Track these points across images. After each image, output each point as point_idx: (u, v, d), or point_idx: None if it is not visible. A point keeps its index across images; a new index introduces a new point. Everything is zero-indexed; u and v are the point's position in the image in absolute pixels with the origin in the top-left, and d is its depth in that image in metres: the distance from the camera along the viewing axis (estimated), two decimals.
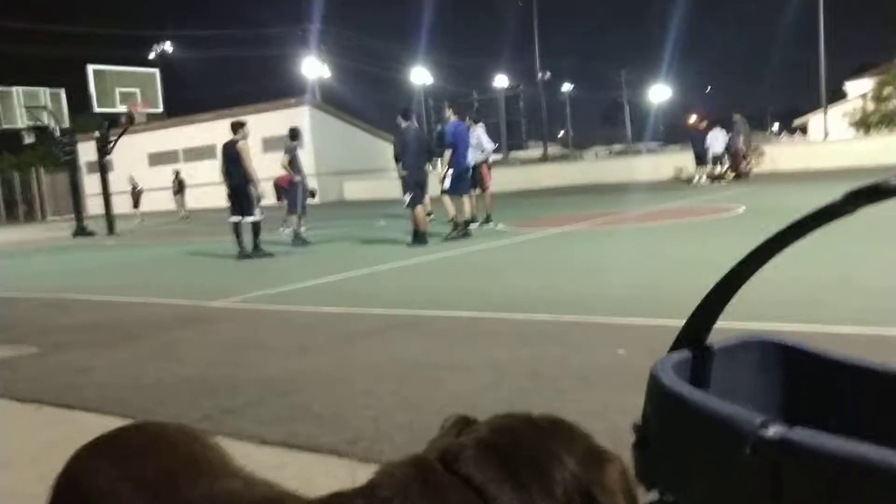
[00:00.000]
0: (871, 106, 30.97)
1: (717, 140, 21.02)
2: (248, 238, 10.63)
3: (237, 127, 10.78)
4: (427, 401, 3.30)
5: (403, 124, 10.99)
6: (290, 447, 2.87)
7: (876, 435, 1.65)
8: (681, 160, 25.22)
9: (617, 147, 61.50)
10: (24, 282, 10.06)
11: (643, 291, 5.50)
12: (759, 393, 1.92)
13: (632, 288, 5.82)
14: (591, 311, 4.96)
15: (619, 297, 5.46)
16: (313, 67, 42.96)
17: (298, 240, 12.06)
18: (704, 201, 14.37)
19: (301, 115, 32.02)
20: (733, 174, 21.17)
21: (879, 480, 1.26)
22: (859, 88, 36.36)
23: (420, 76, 51.21)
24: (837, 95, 40.44)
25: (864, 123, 30.75)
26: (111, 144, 20.86)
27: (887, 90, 30.49)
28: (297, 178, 12.34)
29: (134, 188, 27.82)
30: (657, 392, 1.66)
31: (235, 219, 10.73)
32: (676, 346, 1.85)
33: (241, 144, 10.60)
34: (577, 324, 4.69)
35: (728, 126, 21.65)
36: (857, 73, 42.53)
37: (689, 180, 21.85)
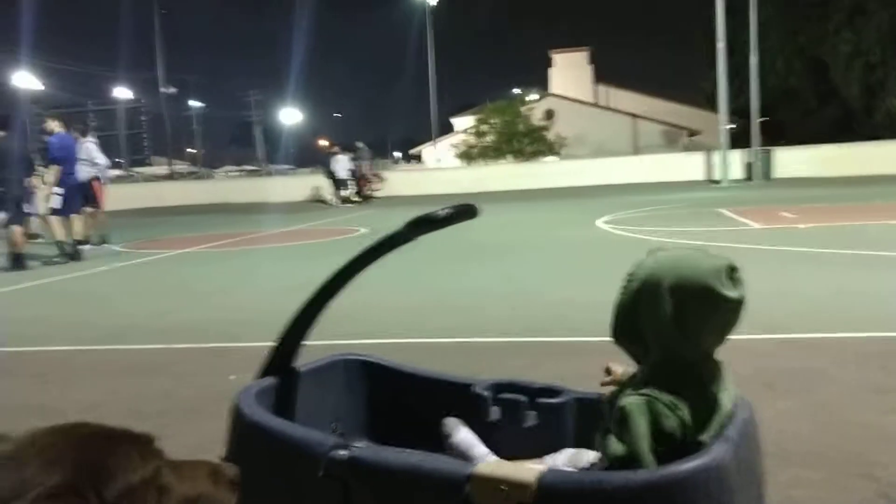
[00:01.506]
0: (472, 140, 35.09)
1: (340, 164, 22.06)
2: None
3: None
4: None
5: (0, 134, 9.57)
6: None
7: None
8: (312, 182, 25.93)
9: (248, 167, 61.08)
10: None
11: (258, 315, 5.45)
12: (346, 411, 1.99)
13: (249, 311, 5.76)
14: (204, 338, 4.78)
15: (234, 321, 5.36)
16: None
17: None
18: (329, 223, 14.92)
19: None
20: (359, 198, 22.38)
21: (432, 485, 1.37)
22: (463, 124, 41.03)
23: (25, 81, 45.46)
24: (447, 129, 45.16)
25: (468, 155, 34.71)
26: None
27: (483, 127, 34.83)
28: None
29: None
30: (238, 422, 1.63)
31: None
32: (264, 371, 1.84)
33: None
34: (189, 350, 4.49)
35: (353, 152, 22.87)
36: (461, 110, 47.93)
37: (323, 201, 22.60)
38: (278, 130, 69.59)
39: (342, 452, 1.45)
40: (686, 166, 24.48)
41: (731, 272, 1.32)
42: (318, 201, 23.40)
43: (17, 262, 9.37)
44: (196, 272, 8.70)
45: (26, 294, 7.43)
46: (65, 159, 10.28)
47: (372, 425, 2.04)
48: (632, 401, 1.31)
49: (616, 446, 1.31)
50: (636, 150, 36.94)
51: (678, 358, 1.35)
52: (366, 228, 12.58)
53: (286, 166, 56.37)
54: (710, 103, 30.62)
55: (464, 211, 1.60)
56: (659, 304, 1.33)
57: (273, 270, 8.48)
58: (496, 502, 1.29)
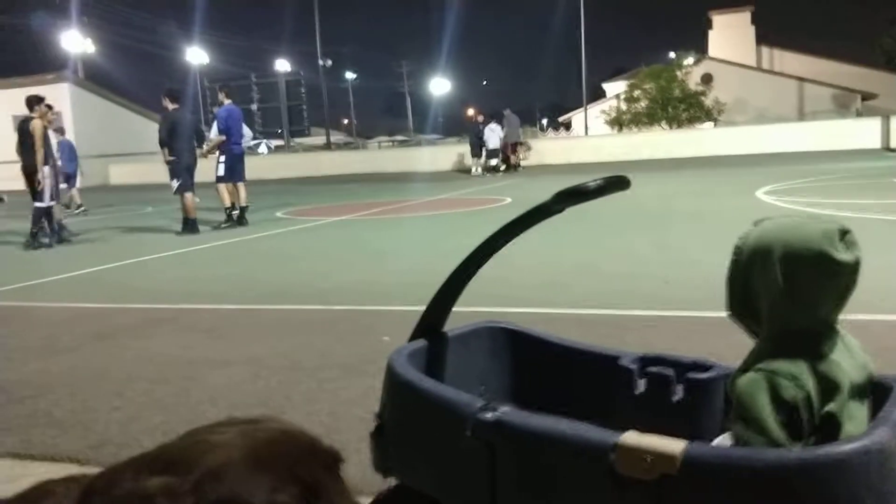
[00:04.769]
0: (623, 106, 34.10)
1: (492, 134, 22.10)
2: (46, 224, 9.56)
3: (33, 102, 9.54)
4: (181, 400, 3.16)
5: (171, 107, 10.37)
6: (23, 457, 2.63)
7: (594, 411, 1.82)
8: (459, 151, 26.22)
9: (399, 137, 62.56)
10: None
11: (413, 278, 5.64)
12: (491, 377, 2.04)
13: (402, 275, 5.96)
14: (360, 300, 5.00)
15: (390, 285, 5.57)
16: (75, 41, 39.17)
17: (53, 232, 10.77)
18: (477, 192, 15.06)
19: (60, 92, 29.20)
20: (505, 166, 22.38)
21: (577, 452, 1.39)
22: (615, 89, 39.91)
23: (195, 56, 48.68)
24: (598, 94, 44.10)
25: (618, 122, 33.81)
26: None
27: (637, 92, 33.73)
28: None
29: None
30: (392, 381, 1.72)
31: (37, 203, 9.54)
32: (415, 335, 1.92)
33: (34, 124, 9.36)
34: (346, 312, 4.72)
35: (501, 120, 22.86)
36: (613, 75, 46.64)
37: (469, 171, 22.81)
38: (427, 100, 70.65)
39: (489, 415, 1.50)
40: (859, 133, 22.65)
41: (843, 235, 1.26)
42: (464, 171, 23.63)
43: (191, 226, 10.15)
44: (351, 238, 9.08)
45: (198, 256, 8.05)
46: (230, 130, 10.96)
47: (515, 393, 2.07)
48: (748, 377, 1.28)
49: (739, 427, 1.28)
50: (802, 116, 34.55)
51: (795, 329, 1.29)
52: (511, 198, 12.60)
53: (435, 136, 57.27)
54: (889, 63, 28.03)
55: (615, 182, 1.59)
56: (769, 274, 1.28)
57: (423, 238, 8.71)
58: (640, 472, 1.29)
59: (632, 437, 1.34)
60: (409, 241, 8.46)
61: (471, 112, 23.16)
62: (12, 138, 10.06)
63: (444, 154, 28.16)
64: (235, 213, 10.86)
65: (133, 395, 3.26)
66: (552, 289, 5.13)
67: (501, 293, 4.58)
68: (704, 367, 1.73)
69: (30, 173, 9.48)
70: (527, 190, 14.10)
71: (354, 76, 73.09)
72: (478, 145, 22.28)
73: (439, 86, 67.49)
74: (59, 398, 3.27)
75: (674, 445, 1.28)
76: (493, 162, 22.34)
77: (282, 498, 0.70)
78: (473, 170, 22.41)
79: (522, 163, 23.48)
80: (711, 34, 46.06)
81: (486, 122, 22.41)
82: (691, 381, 1.72)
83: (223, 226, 10.59)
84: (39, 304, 5.64)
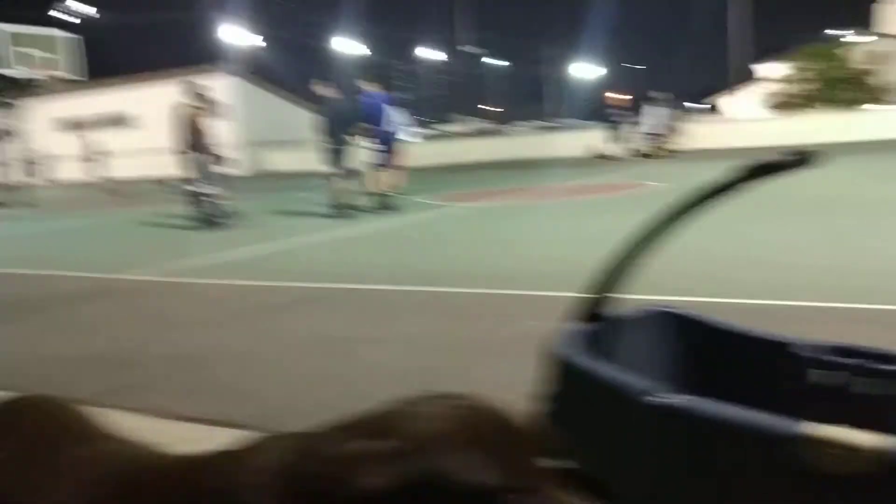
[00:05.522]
0: (786, 87, 32.13)
1: (648, 117, 21.51)
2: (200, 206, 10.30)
3: (192, 90, 10.30)
4: (340, 374, 3.29)
5: (326, 94, 10.79)
6: (201, 422, 2.82)
7: (770, 401, 1.74)
8: (598, 137, 25.67)
9: (541, 122, 62.04)
10: None
11: (559, 265, 5.59)
12: (659, 362, 1.98)
13: (549, 261, 5.92)
14: (508, 285, 5.02)
15: (537, 271, 5.55)
16: (238, 34, 41.57)
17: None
18: (623, 177, 14.69)
19: (223, 83, 31.08)
20: (654, 150, 21.69)
21: (756, 442, 1.33)
22: (769, 71, 37.65)
23: (344, 45, 50.34)
24: (748, 76, 41.78)
25: (785, 105, 31.86)
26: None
27: (802, 74, 31.69)
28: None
29: (30, 158, 26.08)
30: (558, 363, 1.71)
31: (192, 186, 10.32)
32: (579, 318, 1.90)
33: (187, 109, 10.13)
34: (495, 296, 4.75)
35: (650, 103, 22.15)
36: (763, 56, 43.97)
37: (611, 156, 22.29)
38: (569, 84, 69.61)
39: (662, 400, 1.46)
40: None
41: None
42: (603, 156, 23.07)
43: (342, 210, 10.53)
44: (498, 223, 9.13)
45: (350, 240, 8.36)
46: (376, 117, 11.24)
47: (683, 380, 2.01)
48: None
49: None
50: None
51: None
52: (661, 182, 12.20)
53: (576, 120, 56.32)
54: None
55: (799, 159, 1.50)
56: None
57: (567, 223, 8.60)
58: (829, 467, 1.22)
59: (820, 429, 1.27)
60: (553, 227, 8.39)
61: (613, 95, 22.54)
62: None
63: (586, 139, 27.65)
64: (387, 199, 11.15)
65: (294, 367, 3.44)
66: (707, 275, 4.93)
67: (655, 281, 4.45)
68: (891, 358, 1.61)
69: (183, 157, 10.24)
70: (678, 173, 13.60)
71: (499, 62, 73.16)
72: (622, 129, 21.75)
73: (581, 70, 66.32)
74: (227, 368, 3.50)
75: (872, 440, 1.20)
76: (639, 146, 21.73)
77: (488, 479, 0.68)
78: (618, 153, 21.91)
79: (672, 147, 22.66)
80: (880, 7, 42.38)
81: (633, 106, 21.82)
82: (874, 371, 1.60)
83: (375, 211, 10.91)
84: (203, 280, 6.04)
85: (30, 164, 25.96)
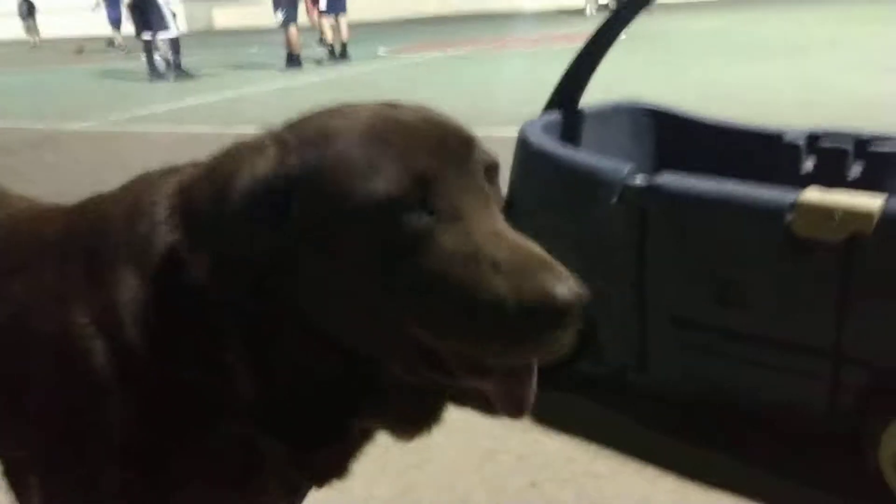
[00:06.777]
0: None
1: None
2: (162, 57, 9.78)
3: None
4: None
5: None
6: None
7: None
8: None
9: None
10: None
11: (520, 108, 5.40)
12: (630, 154, 1.86)
13: (509, 104, 5.73)
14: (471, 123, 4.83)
15: (496, 111, 5.39)
16: None
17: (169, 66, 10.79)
18: (587, 28, 14.21)
19: None
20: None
21: (746, 213, 1.22)
22: None
23: None
24: None
25: None
26: None
27: None
28: None
29: None
30: (524, 151, 1.57)
31: (146, 35, 9.71)
32: (548, 107, 1.75)
33: None
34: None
35: None
36: None
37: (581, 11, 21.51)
38: None
39: (640, 180, 1.34)
40: None
41: None
42: (576, 11, 22.22)
43: (295, 61, 10.05)
44: (454, 72, 8.84)
45: (301, 90, 8.00)
46: None
47: (657, 171, 1.91)
48: None
49: None
50: None
51: None
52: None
53: None
54: None
55: None
56: None
57: (526, 68, 8.37)
58: (825, 233, 1.12)
59: (815, 195, 1.16)
60: (513, 72, 8.18)
61: None
62: None
63: None
64: (337, 48, 10.68)
65: None
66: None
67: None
68: (887, 140, 1.50)
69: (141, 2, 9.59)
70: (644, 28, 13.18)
71: None
72: None
73: None
74: None
75: (869, 201, 1.10)
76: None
77: (384, 185, 0.63)
78: (587, 10, 21.07)
79: None
80: None
81: None
82: (871, 155, 1.50)
83: (326, 61, 10.46)
84: (151, 129, 5.80)
85: None
